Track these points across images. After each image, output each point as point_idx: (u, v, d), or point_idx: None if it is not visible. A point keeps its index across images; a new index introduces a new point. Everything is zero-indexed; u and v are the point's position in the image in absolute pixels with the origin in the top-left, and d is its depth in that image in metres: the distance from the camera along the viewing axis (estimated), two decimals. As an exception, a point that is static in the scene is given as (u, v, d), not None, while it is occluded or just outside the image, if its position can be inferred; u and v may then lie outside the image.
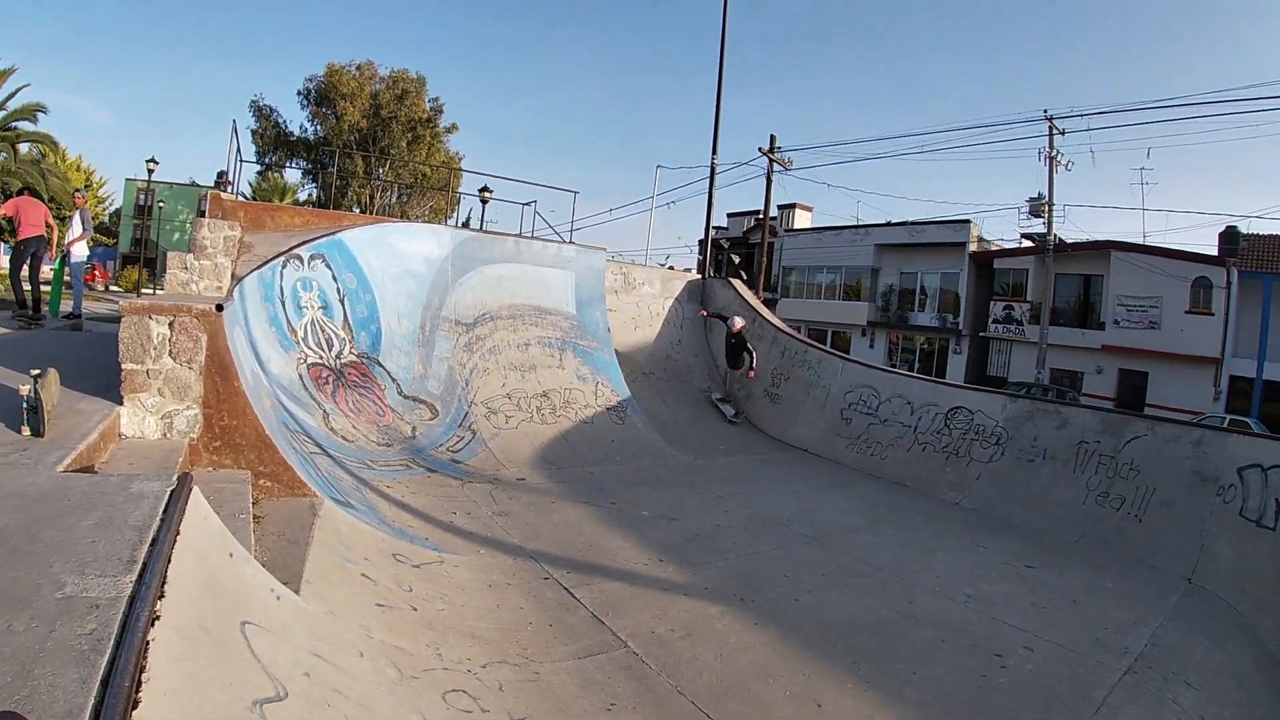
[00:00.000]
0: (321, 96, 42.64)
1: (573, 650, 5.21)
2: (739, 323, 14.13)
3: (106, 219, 60.70)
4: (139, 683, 2.20)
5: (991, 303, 37.54)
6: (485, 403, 11.70)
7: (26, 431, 5.17)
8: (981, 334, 38.19)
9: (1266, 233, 29.99)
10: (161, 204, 56.32)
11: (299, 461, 6.96)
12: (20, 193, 12.08)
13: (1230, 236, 28.83)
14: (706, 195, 21.78)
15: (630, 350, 15.02)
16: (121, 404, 6.29)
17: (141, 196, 60.43)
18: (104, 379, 6.76)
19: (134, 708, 2.08)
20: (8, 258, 14.02)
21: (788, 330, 15.85)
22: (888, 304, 41.57)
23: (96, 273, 49.91)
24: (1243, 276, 28.55)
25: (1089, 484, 9.60)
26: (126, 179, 63.83)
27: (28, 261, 11.55)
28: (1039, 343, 31.95)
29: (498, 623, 5.45)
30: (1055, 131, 30.60)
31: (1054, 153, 31.03)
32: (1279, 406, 27.52)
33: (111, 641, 2.33)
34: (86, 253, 12.93)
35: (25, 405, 5.18)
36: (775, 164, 25.68)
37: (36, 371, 5.39)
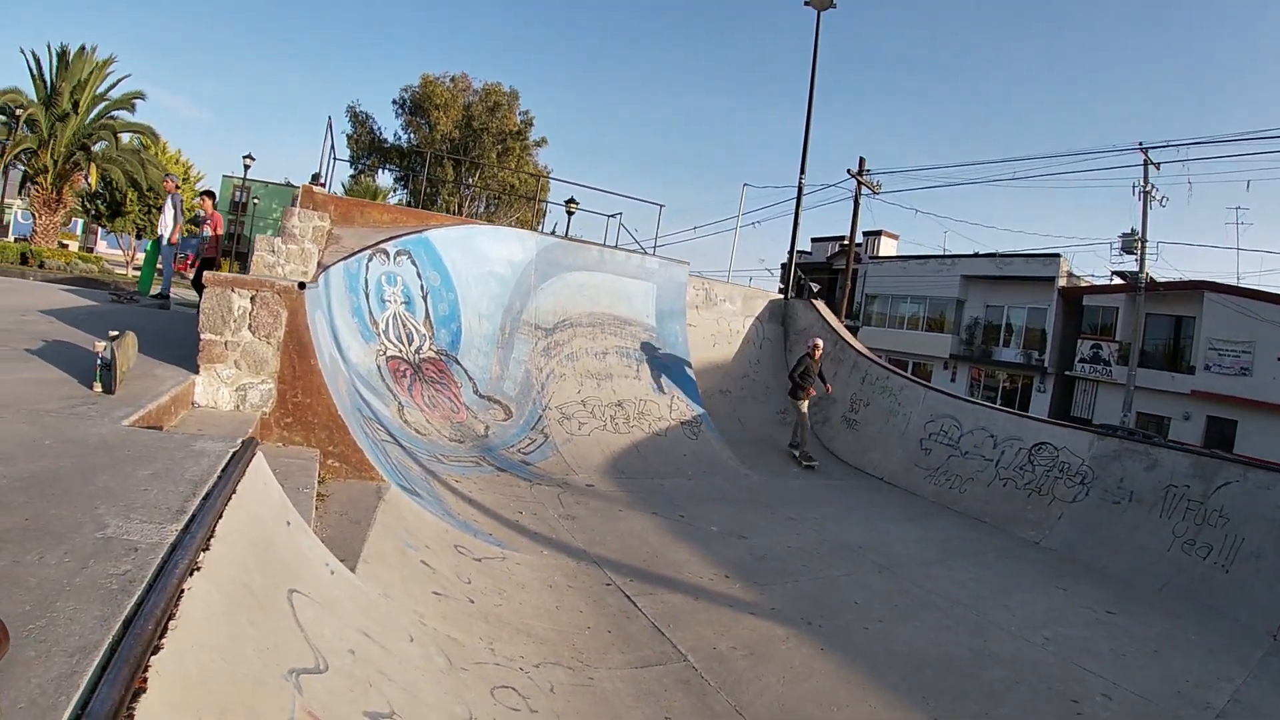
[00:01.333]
0: (416, 106, 43.65)
1: (630, 659, 5.01)
2: (820, 342, 13.80)
3: (202, 212, 62.47)
4: (164, 628, 2.07)
5: (1079, 341, 36.31)
6: (559, 408, 11.63)
7: (98, 387, 5.19)
8: (1067, 373, 36.94)
9: None
10: (256, 200, 57.85)
11: (369, 446, 6.92)
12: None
13: None
14: (792, 216, 21.55)
15: (708, 367, 14.81)
16: (197, 373, 6.33)
17: (237, 193, 62.05)
18: (184, 352, 6.81)
19: (154, 652, 1.95)
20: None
21: (870, 355, 15.45)
22: (971, 337, 40.61)
23: (188, 261, 51.26)
24: None
25: (1175, 530, 9.06)
26: (224, 176, 65.60)
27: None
28: (1126, 385, 30.71)
29: (555, 624, 5.29)
30: (1150, 164, 29.47)
31: (1148, 186, 29.88)
32: None
33: (143, 585, 2.22)
34: (179, 238, 13.19)
35: (99, 362, 5.20)
36: (863, 187, 25.34)
37: (114, 333, 5.42)
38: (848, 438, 14.38)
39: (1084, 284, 38.11)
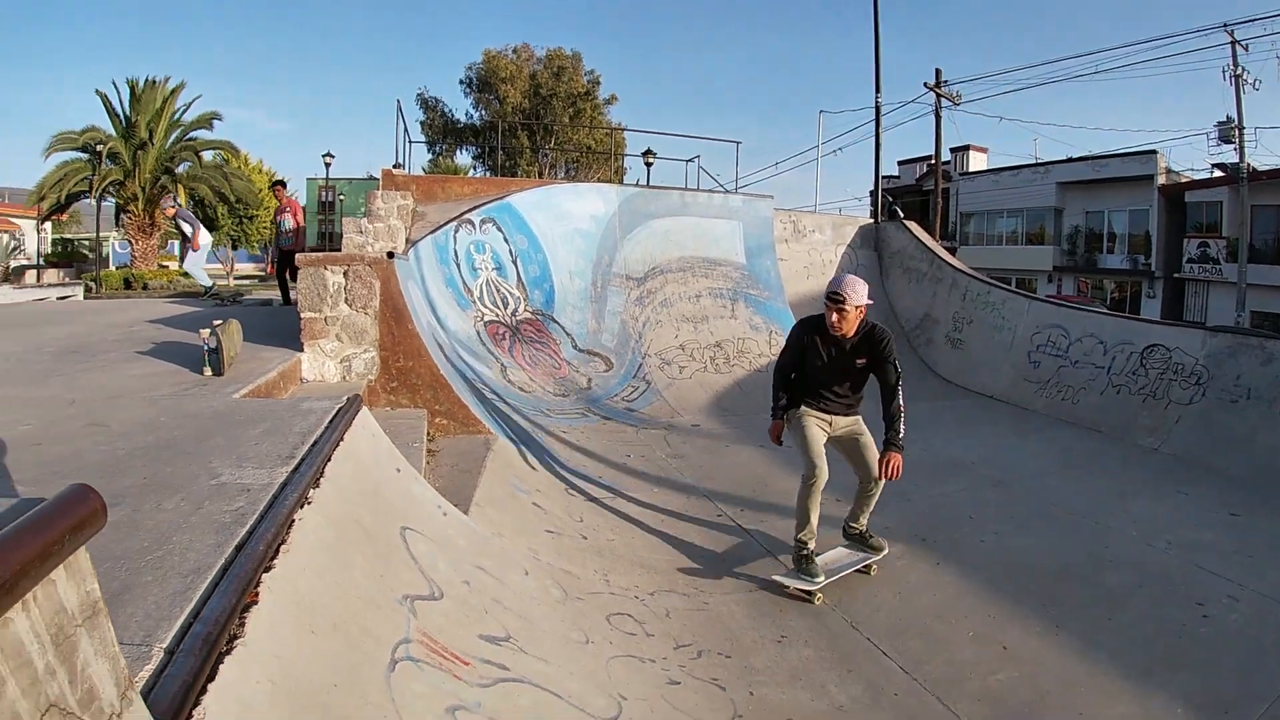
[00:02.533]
0: (483, 83, 43.82)
1: (744, 583, 5.05)
2: (849, 295, 8.49)
3: (280, 203, 64.00)
4: (275, 551, 2.17)
5: (1185, 240, 34.23)
6: (659, 354, 11.69)
7: (208, 371, 5.43)
8: (1175, 275, 34.76)
9: None
10: (342, 197, 59.00)
11: (474, 402, 7.10)
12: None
13: None
14: (874, 139, 20.96)
15: (803, 299, 14.58)
16: (302, 351, 6.56)
17: (323, 193, 63.34)
18: (289, 337, 7.04)
19: (265, 571, 2.05)
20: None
21: (968, 271, 15.03)
22: (1074, 247, 38.67)
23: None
24: None
25: (1298, 426, 8.63)
26: (308, 179, 67.04)
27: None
28: (1237, 283, 29.02)
29: (668, 555, 5.36)
30: (1237, 45, 27.55)
31: (1239, 70, 27.95)
32: None
33: (255, 516, 2.33)
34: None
35: (205, 349, 5.45)
36: (943, 99, 24.58)
37: (218, 321, 5.66)
38: (953, 358, 14.08)
39: (1184, 180, 35.88)
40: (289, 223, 13.05)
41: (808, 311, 14.01)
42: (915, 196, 44.43)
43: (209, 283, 13.60)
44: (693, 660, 3.89)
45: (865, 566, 5.40)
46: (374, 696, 2.17)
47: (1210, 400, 9.67)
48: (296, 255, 7.26)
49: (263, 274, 50.97)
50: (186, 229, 13.18)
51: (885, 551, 5.56)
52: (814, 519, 5.17)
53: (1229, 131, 29.60)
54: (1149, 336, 11.01)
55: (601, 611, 4.02)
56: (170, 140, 33.91)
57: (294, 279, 13.00)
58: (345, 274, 6.71)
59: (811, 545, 5.13)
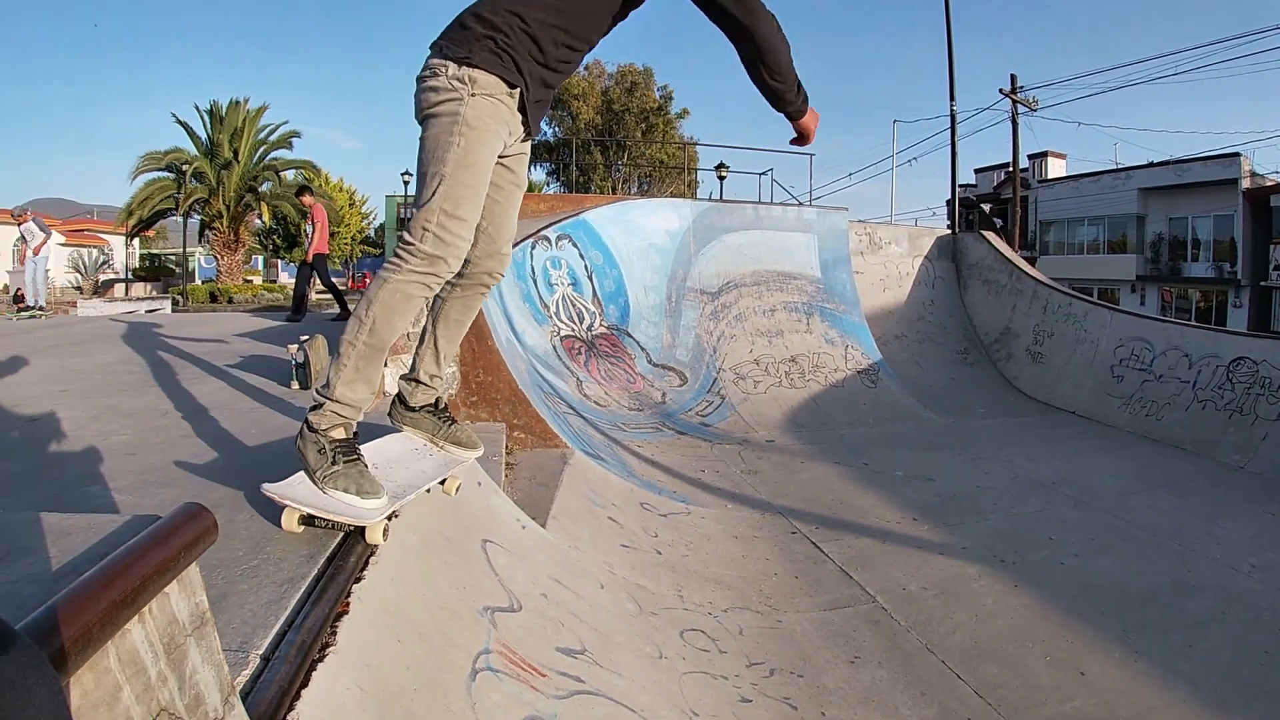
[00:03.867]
0: (556, 99, 44.11)
1: (817, 602, 5.05)
2: None
3: (372, 233, 64.80)
4: (365, 562, 2.27)
5: (1271, 247, 33.32)
6: (733, 369, 11.71)
7: (295, 385, 5.61)
8: (1263, 284, 33.93)
9: None
10: None
11: (551, 416, 7.20)
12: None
13: None
14: (949, 148, 20.69)
15: (880, 312, 14.54)
16: (386, 366, 6.71)
17: (401, 210, 64.32)
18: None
19: (355, 581, 2.15)
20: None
21: (1048, 282, 14.77)
22: (1157, 255, 37.88)
23: (366, 279, 53.57)
24: None
25: (1394, 443, 8.31)
26: (386, 196, 68.24)
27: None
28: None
29: (742, 571, 5.38)
30: None
31: None
32: None
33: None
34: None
35: (293, 363, 5.63)
36: (1019, 105, 24.19)
37: (305, 337, 5.84)
38: (1034, 372, 13.84)
39: (1269, 183, 34.99)
40: (312, 228, 12.77)
41: (885, 326, 14.20)
42: (993, 204, 43.82)
43: (38, 301, 13.99)
44: (765, 679, 3.90)
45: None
46: (455, 704, 2.25)
47: (1299, 415, 9.41)
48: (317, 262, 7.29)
49: (344, 288, 52.15)
50: (33, 237, 13.63)
51: None
52: None
53: None
54: (1235, 349, 10.74)
55: (675, 627, 4.06)
56: (254, 159, 34.96)
57: (329, 290, 13.19)
58: (427, 290, 6.85)
59: None
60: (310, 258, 12.75)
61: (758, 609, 4.77)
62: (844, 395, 11.83)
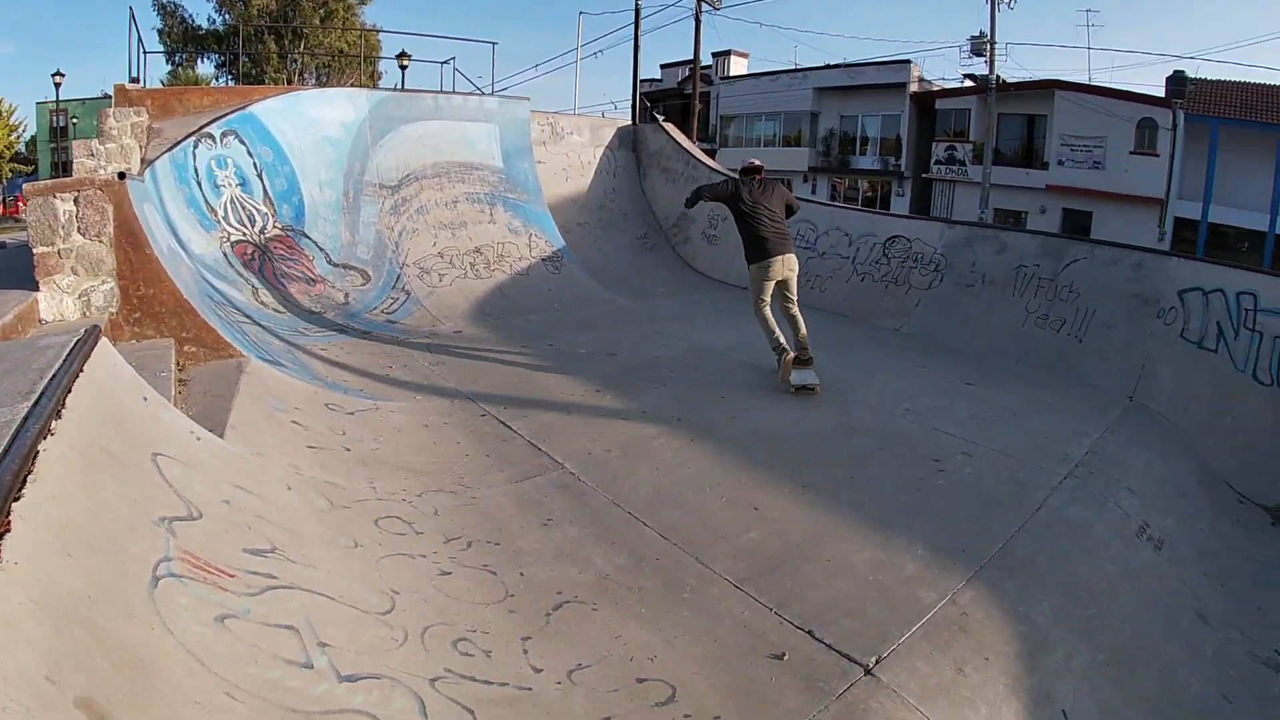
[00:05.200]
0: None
1: (509, 476, 5.27)
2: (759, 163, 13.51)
3: (22, 147, 57.70)
4: (23, 482, 2.19)
5: (934, 144, 37.30)
6: (417, 263, 11.56)
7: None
8: (924, 176, 38.07)
9: (1214, 78, 29.83)
10: (75, 120, 53.59)
11: (223, 326, 6.88)
12: None
13: (1177, 80, 28.64)
14: (633, 42, 21.10)
15: (563, 201, 14.78)
16: (38, 290, 6.17)
17: (55, 118, 57.33)
18: (26, 278, 6.57)
19: (16, 500, 2.08)
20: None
21: (722, 170, 15.61)
22: (829, 149, 41.23)
23: (19, 203, 47.32)
24: (1188, 119, 28.43)
25: (1029, 307, 9.63)
26: (37, 103, 60.60)
27: None
28: (982, 183, 31.87)
29: (434, 457, 5.49)
30: None
31: None
32: (1222, 250, 27.48)
33: (0, 450, 2.31)
34: None
35: None
36: (703, 2, 24.99)
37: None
38: (709, 253, 14.69)
39: (935, 89, 38.75)
40: None
41: (568, 214, 14.45)
42: (677, 100, 45.20)
43: None
44: (463, 551, 4.08)
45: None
46: (139, 611, 2.25)
47: (948, 285, 10.67)
48: (25, 185, 6.77)
49: None
50: None
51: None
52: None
53: (981, 45, 32.11)
54: (890, 229, 11.98)
55: (369, 517, 4.13)
56: None
57: None
58: (76, 201, 6.29)
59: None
60: None
61: (452, 489, 4.92)
62: (529, 283, 12.05)
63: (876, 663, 3.43)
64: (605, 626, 3.58)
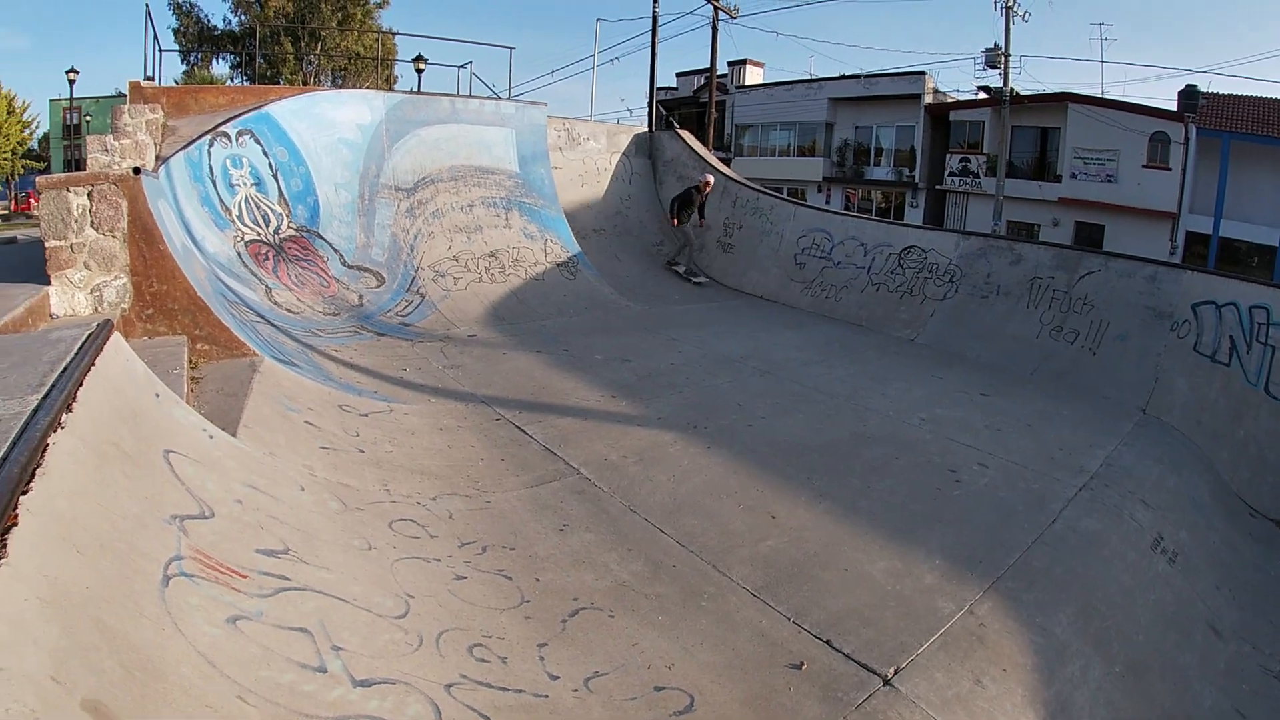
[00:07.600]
0: (242, -16, 40.76)
1: (524, 480, 5.22)
2: (711, 179, 14.26)
3: (35, 144, 57.72)
4: (32, 474, 2.13)
5: (948, 156, 37.17)
6: (432, 266, 11.52)
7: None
8: (938, 187, 37.90)
9: (1226, 92, 29.70)
10: (89, 118, 53.71)
11: (237, 325, 6.82)
12: None
13: (1189, 94, 28.45)
14: (650, 49, 21.05)
15: (578, 207, 14.77)
16: (49, 284, 6.14)
17: (68, 115, 57.35)
18: (38, 273, 6.54)
19: (23, 494, 2.02)
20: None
21: (738, 179, 15.63)
22: (843, 159, 41.17)
23: (31, 200, 47.41)
24: (1201, 134, 28.22)
25: (1043, 319, 9.63)
26: (50, 100, 60.74)
27: None
28: (996, 195, 31.75)
29: (448, 460, 5.44)
30: None
31: (1010, 1, 30.43)
32: (1234, 264, 27.15)
33: (7, 443, 2.26)
34: None
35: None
36: (720, 11, 24.96)
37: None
38: (724, 261, 14.67)
39: (950, 100, 38.64)
40: None
41: (584, 220, 14.45)
42: (692, 108, 45.19)
43: None
44: (478, 556, 4.03)
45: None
46: (149, 610, 2.19)
47: (963, 295, 10.64)
48: (38, 178, 6.73)
49: (6, 212, 45.79)
50: None
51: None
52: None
53: (995, 58, 32.08)
54: (906, 239, 11.97)
55: (383, 519, 4.08)
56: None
57: None
58: (89, 195, 6.24)
59: None
60: None
61: (466, 493, 4.87)
62: (544, 288, 11.99)
63: (895, 673, 3.39)
64: (622, 634, 3.53)
